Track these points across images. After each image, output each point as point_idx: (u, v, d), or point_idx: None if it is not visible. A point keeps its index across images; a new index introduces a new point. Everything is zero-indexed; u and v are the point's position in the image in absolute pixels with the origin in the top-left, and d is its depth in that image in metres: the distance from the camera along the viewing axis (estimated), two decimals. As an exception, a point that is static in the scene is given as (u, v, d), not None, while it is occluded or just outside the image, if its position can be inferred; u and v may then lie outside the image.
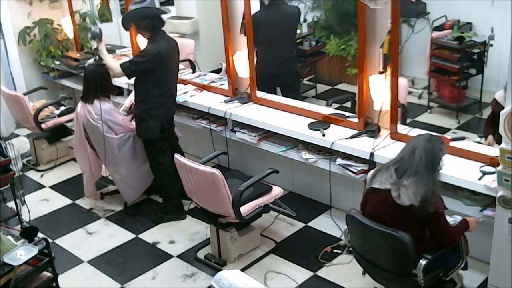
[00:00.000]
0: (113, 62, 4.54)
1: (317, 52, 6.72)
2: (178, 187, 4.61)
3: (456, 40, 5.79)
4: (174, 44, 4.60)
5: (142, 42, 5.67)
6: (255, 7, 5.73)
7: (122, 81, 5.39)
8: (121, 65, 4.47)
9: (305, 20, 6.82)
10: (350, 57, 6.71)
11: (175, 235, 4.58)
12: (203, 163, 3.97)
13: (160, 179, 4.80)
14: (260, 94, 4.95)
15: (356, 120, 4.30)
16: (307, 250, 4.25)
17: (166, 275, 4.14)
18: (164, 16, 4.56)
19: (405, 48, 6.31)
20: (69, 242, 4.59)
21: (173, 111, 4.75)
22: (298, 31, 6.53)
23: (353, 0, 5.35)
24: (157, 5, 4.84)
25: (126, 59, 4.87)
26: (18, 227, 4.34)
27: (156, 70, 4.42)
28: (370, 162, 3.99)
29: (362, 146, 4.06)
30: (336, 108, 4.96)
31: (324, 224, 4.53)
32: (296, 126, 4.47)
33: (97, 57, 4.57)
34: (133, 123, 4.84)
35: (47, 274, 3.53)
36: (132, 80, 4.58)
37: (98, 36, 4.53)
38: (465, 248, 3.27)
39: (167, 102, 4.59)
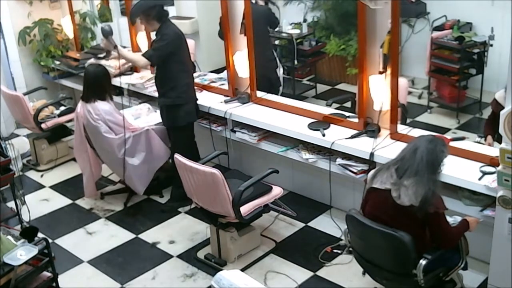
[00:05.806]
0: (133, 55, 4.53)
1: (317, 52, 6.72)
2: None
3: (456, 40, 5.79)
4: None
5: (141, 41, 5.69)
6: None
7: (122, 81, 5.36)
8: (143, 55, 4.51)
9: (305, 20, 6.82)
10: (350, 57, 6.71)
11: (175, 235, 4.58)
12: (203, 163, 3.97)
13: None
14: (260, 94, 4.95)
15: (356, 120, 4.30)
16: (307, 250, 4.25)
17: (166, 275, 4.14)
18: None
19: (405, 48, 6.31)
20: (69, 242, 4.59)
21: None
22: (298, 31, 6.54)
23: (353, 0, 5.35)
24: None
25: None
26: (18, 227, 4.33)
27: (178, 52, 4.50)
28: (370, 162, 4.00)
29: (362, 146, 4.06)
30: (336, 108, 4.95)
31: (324, 224, 4.53)
32: (296, 126, 4.47)
33: (105, 54, 4.54)
34: (134, 123, 4.84)
35: (47, 274, 3.53)
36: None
37: (109, 33, 4.52)
38: (465, 248, 3.26)
39: (192, 84, 4.71)
